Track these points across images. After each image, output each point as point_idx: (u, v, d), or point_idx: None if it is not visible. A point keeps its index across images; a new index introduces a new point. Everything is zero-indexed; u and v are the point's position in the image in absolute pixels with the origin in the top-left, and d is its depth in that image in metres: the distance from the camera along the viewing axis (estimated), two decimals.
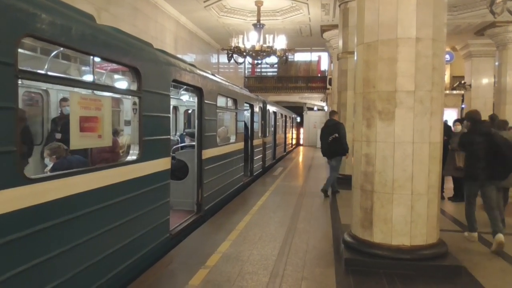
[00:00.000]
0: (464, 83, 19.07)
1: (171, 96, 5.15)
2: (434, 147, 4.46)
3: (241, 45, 13.26)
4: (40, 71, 4.29)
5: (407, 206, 4.40)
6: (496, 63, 15.13)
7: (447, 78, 21.20)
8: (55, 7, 2.96)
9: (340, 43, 11.13)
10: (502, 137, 5.44)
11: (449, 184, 9.07)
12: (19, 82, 2.68)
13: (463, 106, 19.99)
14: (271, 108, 14.73)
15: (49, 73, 4.45)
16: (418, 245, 4.41)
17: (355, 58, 4.95)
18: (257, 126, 12.04)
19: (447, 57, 19.00)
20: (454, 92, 21.06)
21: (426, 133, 4.39)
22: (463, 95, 20.03)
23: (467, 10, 13.02)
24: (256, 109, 11.80)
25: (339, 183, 10.34)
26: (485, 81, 17.42)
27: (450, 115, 18.27)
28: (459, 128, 8.34)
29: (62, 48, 3.97)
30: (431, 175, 4.45)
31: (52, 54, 4.93)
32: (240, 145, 9.45)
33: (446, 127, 8.66)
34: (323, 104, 27.74)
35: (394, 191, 4.42)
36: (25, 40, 2.97)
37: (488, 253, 5.15)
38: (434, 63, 4.37)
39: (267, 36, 13.55)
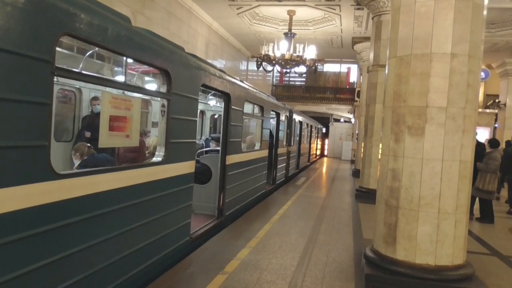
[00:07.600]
0: (499, 101, 18.52)
1: (199, 101, 5.19)
2: (464, 166, 4.31)
3: (271, 53, 13.33)
4: (75, 70, 4.41)
5: (433, 225, 4.27)
6: None
7: (480, 96, 20.62)
8: (94, 8, 3.04)
9: (371, 55, 11.01)
10: None
11: (477, 205, 8.76)
12: (55, 79, 2.76)
13: (496, 125, 19.39)
14: (297, 117, 14.67)
15: (84, 71, 4.57)
16: (443, 266, 4.26)
17: (386, 71, 4.86)
18: (282, 134, 12.01)
19: (482, 74, 18.52)
20: (487, 110, 20.47)
21: (457, 151, 4.25)
22: (496, 114, 19.46)
23: (506, 27, 12.68)
24: (282, 117, 11.78)
25: (361, 197, 10.18)
26: None
27: (482, 134, 17.76)
28: None
29: (97, 48, 4.07)
30: (460, 194, 4.30)
31: (87, 54, 5.07)
32: (264, 152, 9.43)
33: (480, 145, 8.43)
34: (350, 116, 27.46)
35: (420, 208, 4.30)
36: (63, 39, 3.06)
37: None
38: (469, 79, 4.24)
39: (297, 45, 13.57)
